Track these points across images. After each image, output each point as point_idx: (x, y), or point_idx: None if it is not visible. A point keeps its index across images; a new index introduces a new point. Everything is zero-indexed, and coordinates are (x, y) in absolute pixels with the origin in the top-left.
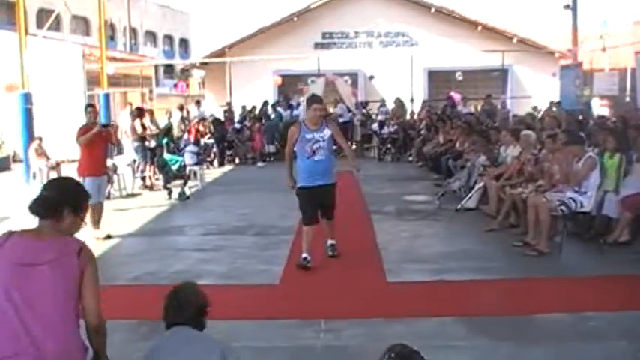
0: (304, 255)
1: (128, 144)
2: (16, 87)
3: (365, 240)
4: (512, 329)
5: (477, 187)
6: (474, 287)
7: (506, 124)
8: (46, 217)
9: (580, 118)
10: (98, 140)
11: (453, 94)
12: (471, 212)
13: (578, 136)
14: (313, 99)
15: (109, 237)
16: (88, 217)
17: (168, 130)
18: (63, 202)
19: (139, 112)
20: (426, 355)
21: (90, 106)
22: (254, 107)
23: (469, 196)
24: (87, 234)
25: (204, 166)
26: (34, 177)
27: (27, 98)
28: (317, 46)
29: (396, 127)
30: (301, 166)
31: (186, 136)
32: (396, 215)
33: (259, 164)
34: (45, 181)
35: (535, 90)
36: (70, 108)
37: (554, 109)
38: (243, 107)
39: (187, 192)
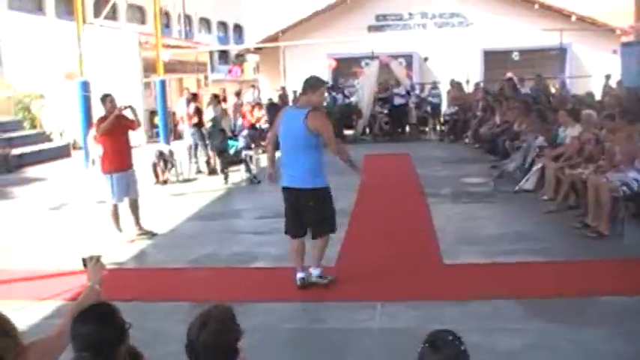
0: (297, 275)
1: (186, 129)
2: (75, 75)
3: (421, 222)
4: (571, 312)
5: (534, 168)
6: (531, 269)
7: (564, 104)
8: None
9: None
10: (118, 130)
11: (510, 74)
12: (529, 194)
13: None
14: (321, 81)
15: (152, 234)
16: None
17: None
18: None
19: (194, 97)
20: (484, 337)
21: (107, 96)
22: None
23: (526, 177)
24: (131, 233)
25: (260, 151)
26: (93, 163)
27: (85, 86)
28: (371, 28)
29: (456, 108)
30: (324, 162)
31: (240, 121)
32: (452, 197)
33: None
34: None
35: (595, 69)
36: (128, 95)
37: (613, 85)
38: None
39: (248, 175)
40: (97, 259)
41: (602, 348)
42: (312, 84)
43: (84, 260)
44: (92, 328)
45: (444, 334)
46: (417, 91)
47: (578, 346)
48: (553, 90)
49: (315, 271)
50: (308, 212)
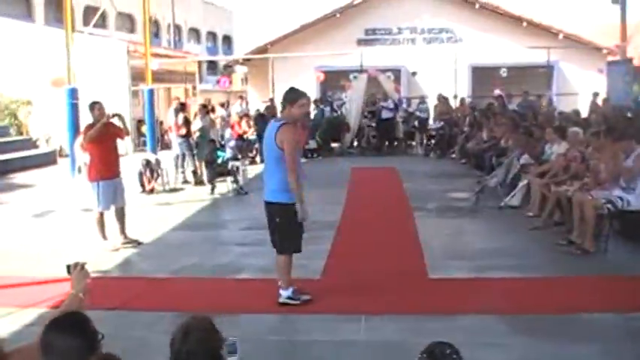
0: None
1: (174, 139)
2: (63, 82)
3: (407, 236)
4: (555, 328)
5: (520, 184)
6: (516, 285)
7: (551, 121)
8: None
9: (629, 115)
10: (106, 138)
11: (499, 92)
12: (515, 210)
13: (626, 132)
14: (301, 93)
15: (138, 243)
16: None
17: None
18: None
19: (182, 107)
20: (468, 352)
21: (95, 104)
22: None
23: (512, 193)
24: (116, 241)
25: (247, 162)
26: (79, 171)
27: (73, 93)
28: (360, 42)
29: (442, 122)
30: (300, 177)
31: (228, 132)
32: (438, 212)
33: (301, 160)
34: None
35: (582, 87)
36: (115, 103)
37: (599, 102)
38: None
39: (235, 186)
40: (82, 266)
41: None
42: (292, 97)
43: (68, 267)
44: (62, 337)
45: (442, 346)
46: (405, 106)
47: None
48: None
49: (284, 292)
50: (276, 226)
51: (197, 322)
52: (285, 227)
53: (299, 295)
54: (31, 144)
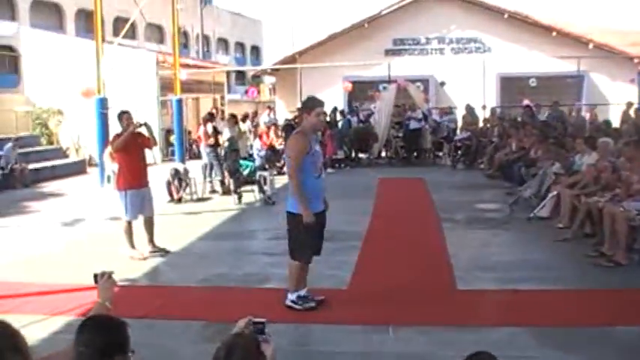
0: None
1: (203, 149)
2: (93, 92)
3: (435, 247)
4: (586, 342)
5: (550, 195)
6: (546, 297)
7: (582, 131)
8: None
9: None
10: (134, 147)
11: (527, 102)
12: (544, 221)
13: None
14: (318, 101)
15: (165, 252)
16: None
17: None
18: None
19: (210, 117)
20: None
21: (124, 113)
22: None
23: (542, 204)
24: (144, 250)
25: (274, 172)
26: (108, 180)
27: (102, 103)
28: (388, 52)
29: (468, 133)
30: (311, 186)
31: (257, 142)
32: (466, 223)
33: (329, 170)
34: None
35: (612, 97)
36: (144, 113)
37: (631, 112)
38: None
39: (262, 196)
40: (109, 275)
41: None
42: (309, 105)
43: (95, 276)
44: (88, 334)
45: (486, 354)
46: (435, 116)
47: None
48: (574, 114)
49: (290, 295)
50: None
51: (242, 341)
52: (291, 235)
53: (302, 301)
54: (62, 153)
